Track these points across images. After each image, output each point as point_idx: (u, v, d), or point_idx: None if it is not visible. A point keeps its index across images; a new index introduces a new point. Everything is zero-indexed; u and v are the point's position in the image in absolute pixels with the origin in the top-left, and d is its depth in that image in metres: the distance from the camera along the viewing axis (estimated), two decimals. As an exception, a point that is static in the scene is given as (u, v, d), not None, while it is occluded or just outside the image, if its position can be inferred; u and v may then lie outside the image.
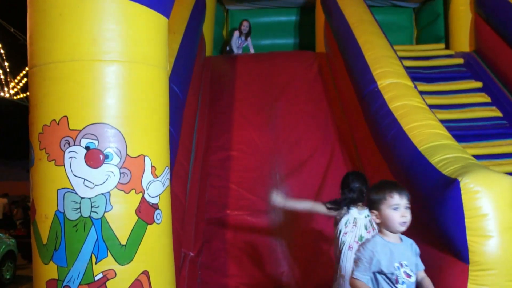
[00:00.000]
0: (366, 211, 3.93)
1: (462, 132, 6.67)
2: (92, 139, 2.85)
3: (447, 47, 8.88)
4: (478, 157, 5.95)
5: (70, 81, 2.89)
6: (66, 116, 2.86)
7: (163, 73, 3.22)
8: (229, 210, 5.65)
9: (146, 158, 2.99)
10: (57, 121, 2.88)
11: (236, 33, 8.97)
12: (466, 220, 3.53)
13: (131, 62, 2.98)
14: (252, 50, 9.04)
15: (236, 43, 8.94)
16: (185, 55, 5.96)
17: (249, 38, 9.06)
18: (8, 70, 16.56)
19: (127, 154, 2.91)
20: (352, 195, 4.01)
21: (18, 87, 17.48)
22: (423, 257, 4.33)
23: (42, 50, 2.98)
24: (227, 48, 9.17)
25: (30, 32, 3.06)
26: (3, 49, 15.65)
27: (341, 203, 4.05)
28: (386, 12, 9.89)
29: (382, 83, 5.43)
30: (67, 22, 2.91)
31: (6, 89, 16.94)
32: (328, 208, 4.10)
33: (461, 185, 3.57)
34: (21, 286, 9.08)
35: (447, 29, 9.10)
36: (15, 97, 17.68)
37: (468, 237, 3.53)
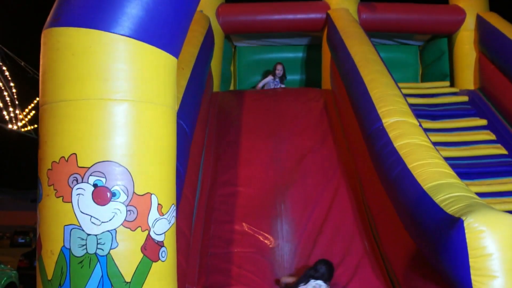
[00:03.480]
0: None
1: (467, 169, 6.69)
2: (100, 176, 2.90)
3: (452, 84, 8.97)
4: (482, 194, 5.97)
5: (79, 119, 2.95)
6: (75, 154, 2.92)
7: (171, 113, 3.28)
8: (233, 247, 5.65)
9: (152, 196, 3.03)
10: (66, 158, 2.93)
11: (270, 77, 8.96)
12: (470, 259, 3.53)
13: (140, 102, 3.05)
14: None
15: (270, 86, 8.92)
16: (193, 91, 6.05)
17: (283, 83, 9.09)
18: (17, 103, 16.79)
19: (134, 192, 2.95)
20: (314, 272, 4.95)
21: (26, 119, 17.68)
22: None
23: (53, 88, 3.06)
24: (260, 86, 9.13)
25: (43, 70, 3.14)
26: (13, 82, 15.91)
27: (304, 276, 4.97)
28: (392, 50, 10.03)
29: (387, 121, 5.48)
30: (79, 61, 3.00)
31: (14, 121, 17.13)
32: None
33: (465, 224, 3.57)
34: (22, 319, 9.01)
35: (452, 67, 9.20)
36: (22, 129, 17.86)
37: (472, 277, 3.52)
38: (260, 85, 8.97)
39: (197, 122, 6.18)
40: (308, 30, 9.33)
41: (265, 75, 9.30)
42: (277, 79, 8.99)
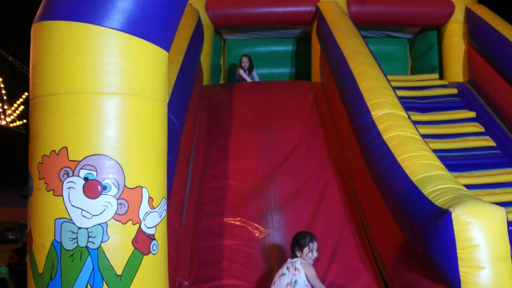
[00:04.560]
0: None
1: (456, 161, 6.74)
2: (90, 170, 2.91)
3: (441, 77, 9.02)
4: (471, 186, 6.02)
5: (70, 113, 2.96)
6: (66, 147, 2.93)
7: (162, 106, 3.29)
8: (224, 239, 5.68)
9: (143, 189, 3.04)
10: (57, 152, 2.93)
11: (241, 70, 9.04)
12: (458, 251, 3.57)
13: (131, 95, 3.05)
14: (257, 79, 9.13)
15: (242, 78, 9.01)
16: (182, 85, 6.05)
17: (253, 71, 9.15)
18: (5, 98, 16.68)
19: (125, 185, 2.97)
20: None
21: (15, 114, 17.56)
22: (416, 287, 4.37)
23: (43, 82, 3.06)
24: (236, 78, 9.19)
25: (33, 64, 3.14)
26: (0, 77, 15.80)
27: None
28: (381, 43, 10.06)
29: (376, 113, 5.51)
30: (69, 55, 3.00)
31: (2, 116, 17.02)
32: None
33: (453, 216, 3.62)
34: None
35: (441, 59, 9.26)
36: (11, 125, 17.75)
37: (460, 268, 3.57)
38: (247, 78, 8.99)
39: (187, 115, 6.18)
40: (298, 23, 9.34)
41: (234, 69, 9.35)
42: (246, 71, 9.07)
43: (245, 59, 9.05)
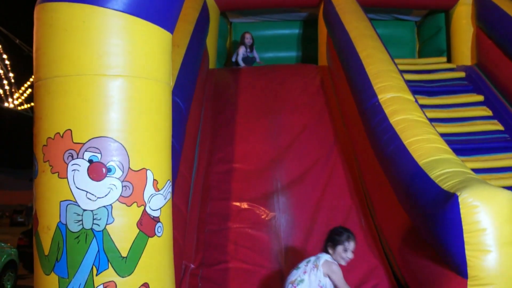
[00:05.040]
0: None
1: (463, 145, 6.70)
2: (95, 152, 2.90)
3: (449, 60, 8.93)
4: (478, 170, 5.99)
5: (74, 95, 2.94)
6: (70, 130, 2.92)
7: (166, 88, 3.27)
8: (230, 223, 5.69)
9: (148, 171, 3.03)
10: (61, 134, 2.93)
11: (242, 48, 8.97)
12: (464, 234, 3.56)
13: (135, 77, 3.03)
14: (258, 59, 9.06)
15: (242, 56, 8.91)
16: (188, 68, 6.02)
17: (254, 50, 9.09)
18: (13, 81, 16.70)
19: (129, 167, 2.96)
20: None
21: (23, 97, 17.59)
22: (423, 271, 4.37)
23: (47, 64, 3.04)
24: (233, 59, 9.13)
25: (36, 46, 3.12)
26: (8, 60, 15.79)
27: None
28: (388, 26, 9.95)
29: (383, 97, 5.47)
30: (73, 37, 2.97)
31: (10, 99, 17.05)
32: None
33: (460, 199, 3.60)
34: (22, 296, 9.10)
35: (449, 42, 9.15)
36: (19, 108, 17.79)
37: (466, 252, 3.56)
38: (239, 58, 8.89)
39: (193, 99, 6.16)
40: (304, 5, 9.27)
41: (237, 47, 9.21)
42: (248, 48, 8.96)
43: (248, 35, 8.92)
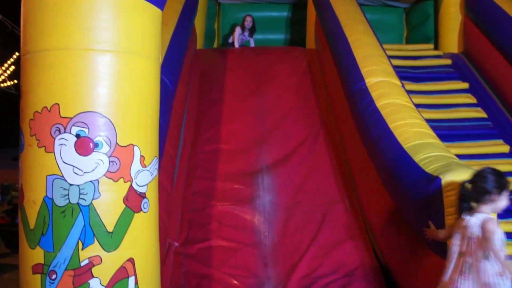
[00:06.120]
0: None
1: (447, 131, 6.76)
2: (82, 127, 2.90)
3: (436, 47, 8.96)
4: (461, 156, 6.04)
5: (62, 69, 2.92)
6: (58, 104, 2.90)
7: (155, 65, 3.26)
8: (214, 201, 5.72)
9: (135, 147, 3.03)
10: (49, 108, 2.91)
11: (238, 29, 8.89)
12: (446, 217, 3.62)
13: (123, 53, 3.02)
14: (252, 45, 9.01)
15: (239, 39, 8.85)
16: (176, 47, 5.99)
17: (253, 36, 9.01)
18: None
19: (116, 143, 2.96)
20: None
21: (5, 75, 17.32)
22: (403, 251, 4.44)
23: (35, 37, 3.01)
24: (229, 41, 9.06)
25: (24, 19, 3.09)
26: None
27: None
28: (377, 11, 9.95)
29: (370, 81, 5.51)
30: (61, 10, 2.94)
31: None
32: None
33: (443, 182, 3.65)
34: (3, 274, 9.05)
35: (437, 30, 9.18)
36: (2, 85, 17.53)
37: (447, 234, 3.62)
38: (236, 42, 8.82)
39: (180, 78, 6.14)
40: (294, -12, 9.24)
41: (232, 30, 9.13)
42: (246, 32, 8.90)
43: (249, 18, 8.85)
